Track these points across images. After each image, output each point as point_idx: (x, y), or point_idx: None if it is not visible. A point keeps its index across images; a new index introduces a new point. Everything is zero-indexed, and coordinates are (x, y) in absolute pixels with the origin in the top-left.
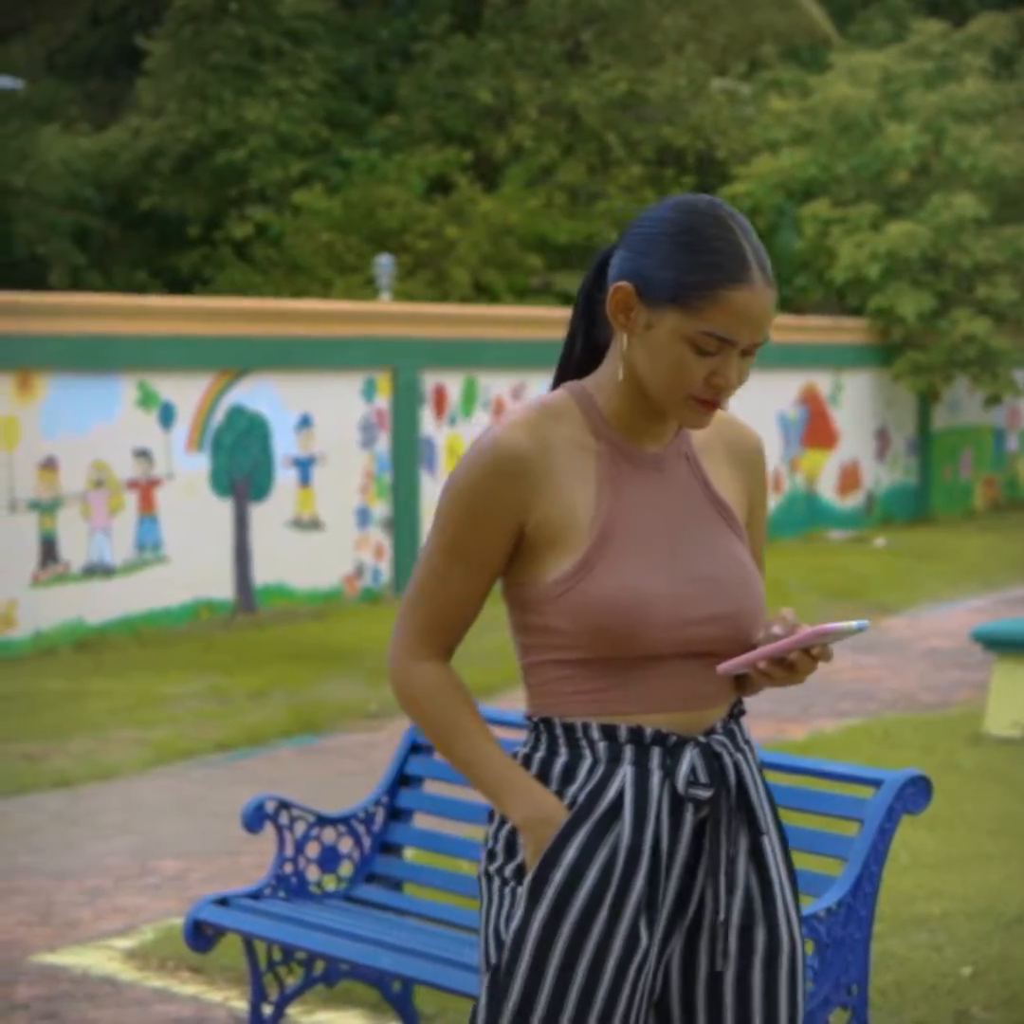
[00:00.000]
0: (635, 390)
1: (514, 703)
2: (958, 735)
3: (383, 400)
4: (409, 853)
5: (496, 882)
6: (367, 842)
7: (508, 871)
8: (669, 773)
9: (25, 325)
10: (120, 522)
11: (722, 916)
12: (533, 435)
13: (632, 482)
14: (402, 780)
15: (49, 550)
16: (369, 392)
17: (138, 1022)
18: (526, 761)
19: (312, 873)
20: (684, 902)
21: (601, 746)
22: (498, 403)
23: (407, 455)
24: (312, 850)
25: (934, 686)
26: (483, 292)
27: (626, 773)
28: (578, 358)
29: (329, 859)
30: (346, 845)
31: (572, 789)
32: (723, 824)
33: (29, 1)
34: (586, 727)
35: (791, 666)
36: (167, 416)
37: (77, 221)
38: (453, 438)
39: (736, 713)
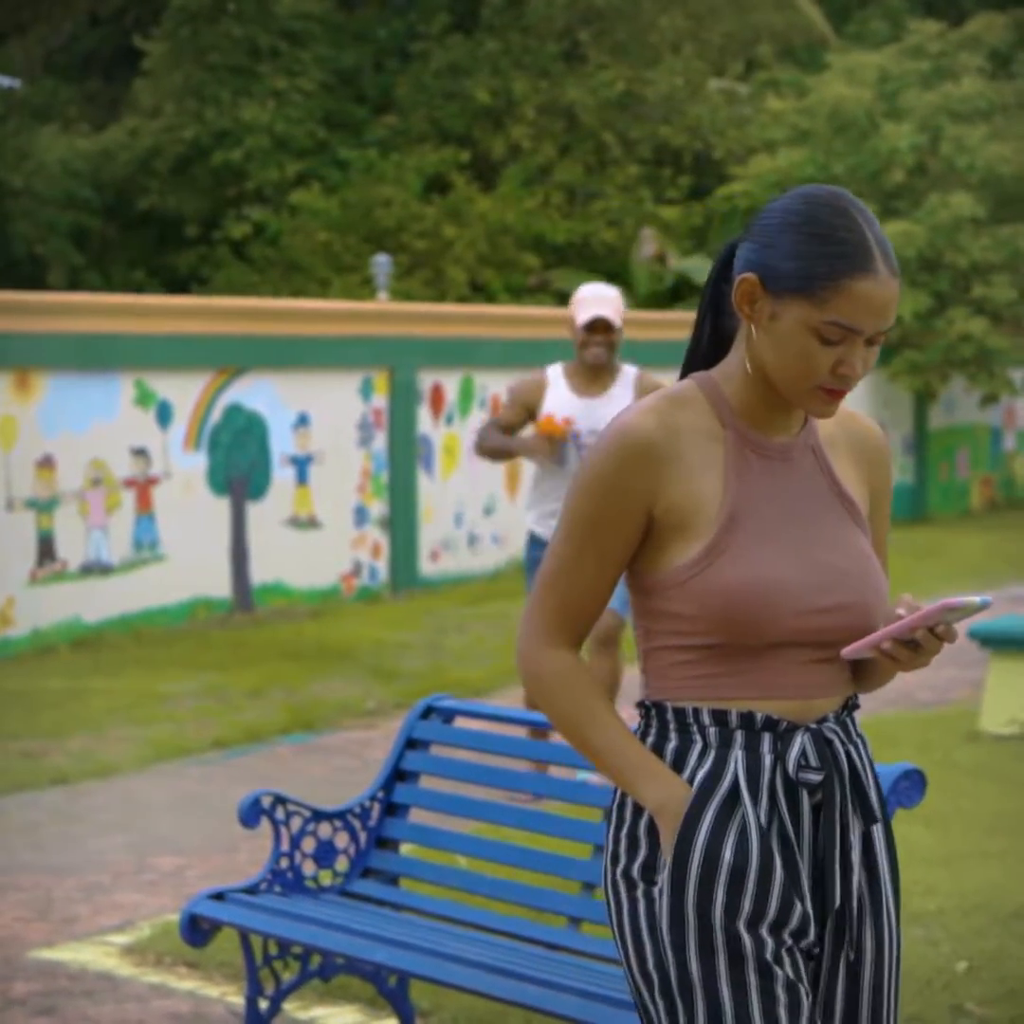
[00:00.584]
0: (761, 380)
1: (513, 701)
2: (955, 732)
3: (380, 399)
4: (405, 848)
5: (622, 888)
6: (363, 837)
7: (635, 871)
8: (780, 758)
9: (23, 324)
10: (117, 521)
11: (837, 903)
12: (661, 421)
13: (758, 471)
14: (398, 775)
15: (46, 548)
16: (366, 391)
17: (135, 1017)
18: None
19: (308, 868)
20: (818, 888)
21: (712, 731)
22: (495, 402)
23: (404, 454)
24: (308, 845)
25: (931, 684)
26: (480, 291)
27: (737, 757)
28: (705, 349)
29: (325, 854)
30: (342, 840)
31: (684, 775)
32: (837, 809)
33: (28, 1)
34: (697, 712)
35: (916, 646)
36: (164, 415)
37: (75, 221)
38: (450, 437)
39: (850, 706)
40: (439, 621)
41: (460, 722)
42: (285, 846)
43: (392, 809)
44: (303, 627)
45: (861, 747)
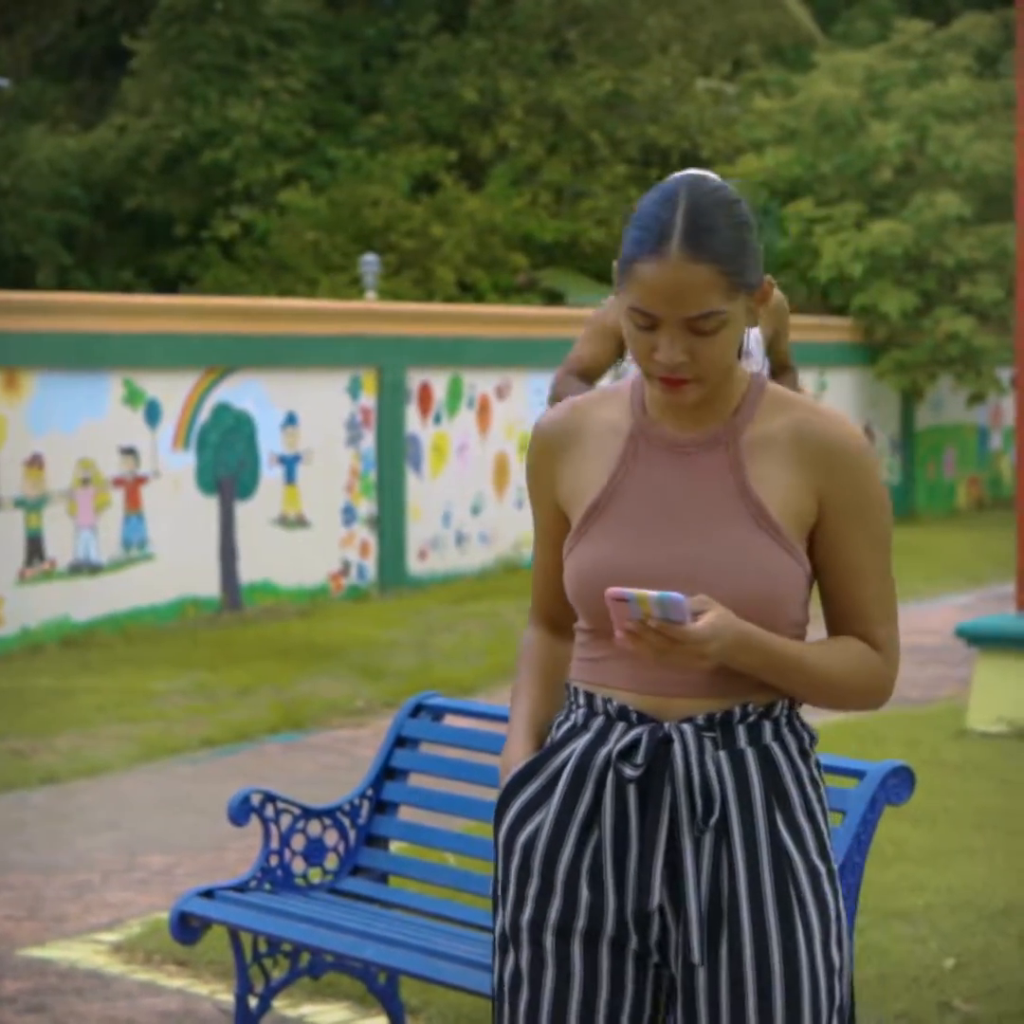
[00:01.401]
0: None
1: (502, 699)
2: (942, 730)
3: (368, 398)
4: (394, 846)
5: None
6: (352, 835)
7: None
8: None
9: (12, 323)
10: (106, 520)
11: (652, 905)
12: (569, 415)
13: (647, 462)
14: (387, 773)
15: (35, 547)
16: (354, 390)
17: (125, 1015)
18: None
19: (297, 865)
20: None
21: (580, 713)
22: (483, 401)
23: (392, 453)
24: (297, 843)
25: (918, 682)
26: (468, 291)
27: (582, 741)
28: None
29: (314, 852)
30: (331, 838)
31: (559, 751)
32: (664, 811)
33: (15, 1)
34: (576, 692)
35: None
36: (153, 414)
37: (63, 220)
38: (438, 436)
39: (754, 712)
40: (427, 620)
41: (450, 720)
42: (274, 844)
43: (381, 807)
44: (292, 626)
45: (750, 758)
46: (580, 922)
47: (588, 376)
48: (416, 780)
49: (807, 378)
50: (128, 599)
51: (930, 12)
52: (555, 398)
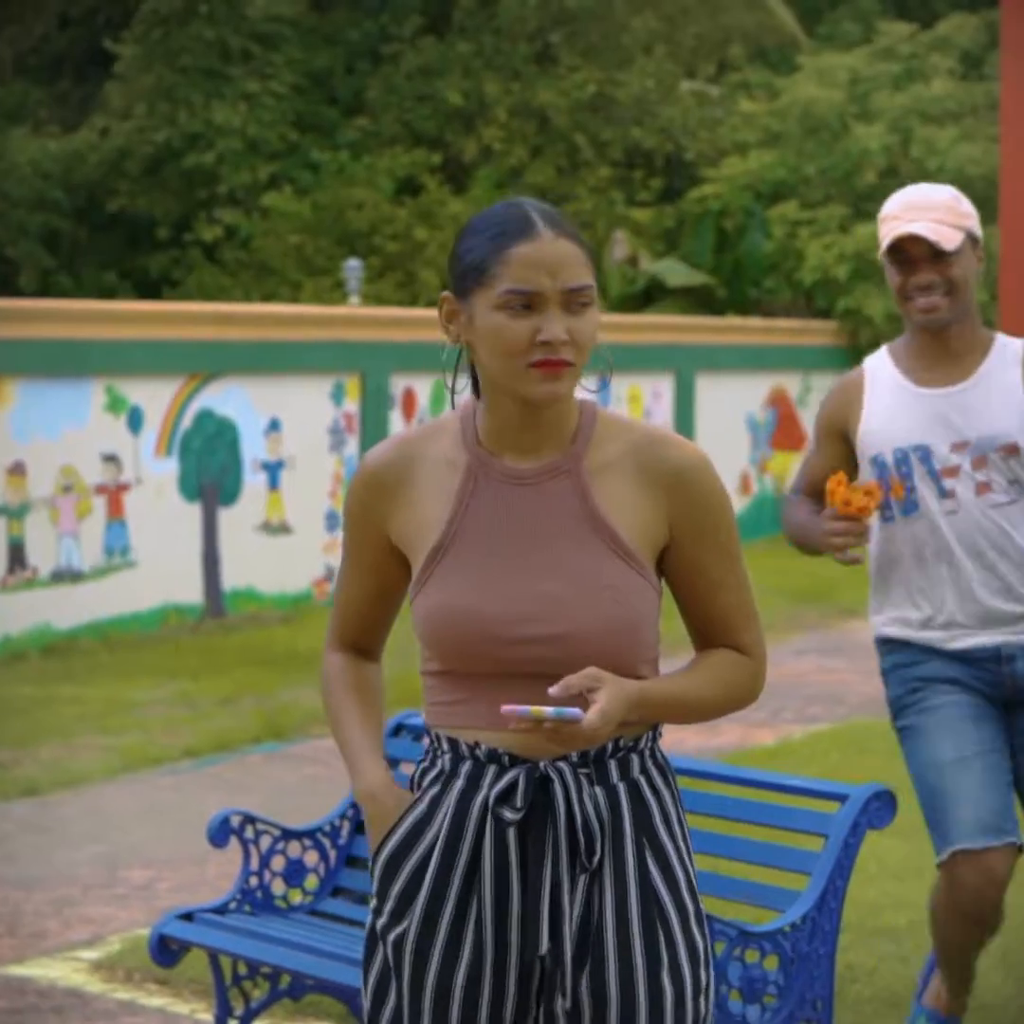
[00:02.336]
0: (495, 398)
1: None
2: None
3: (352, 404)
4: None
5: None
6: (333, 855)
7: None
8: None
9: None
10: (88, 527)
11: (542, 949)
12: (399, 451)
13: (489, 496)
14: None
15: (17, 555)
16: (338, 396)
17: None
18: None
19: (278, 887)
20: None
21: (447, 758)
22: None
23: None
24: (277, 864)
25: None
26: None
27: (457, 786)
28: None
29: (295, 873)
30: (312, 859)
31: (423, 798)
32: (546, 853)
33: None
34: (438, 738)
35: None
36: (135, 420)
37: (46, 223)
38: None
39: (623, 747)
40: (410, 626)
41: None
42: (254, 865)
43: (362, 827)
44: (275, 633)
45: (622, 793)
46: (459, 977)
47: (818, 493)
48: None
49: (791, 381)
50: (110, 607)
51: (915, 13)
52: (787, 530)
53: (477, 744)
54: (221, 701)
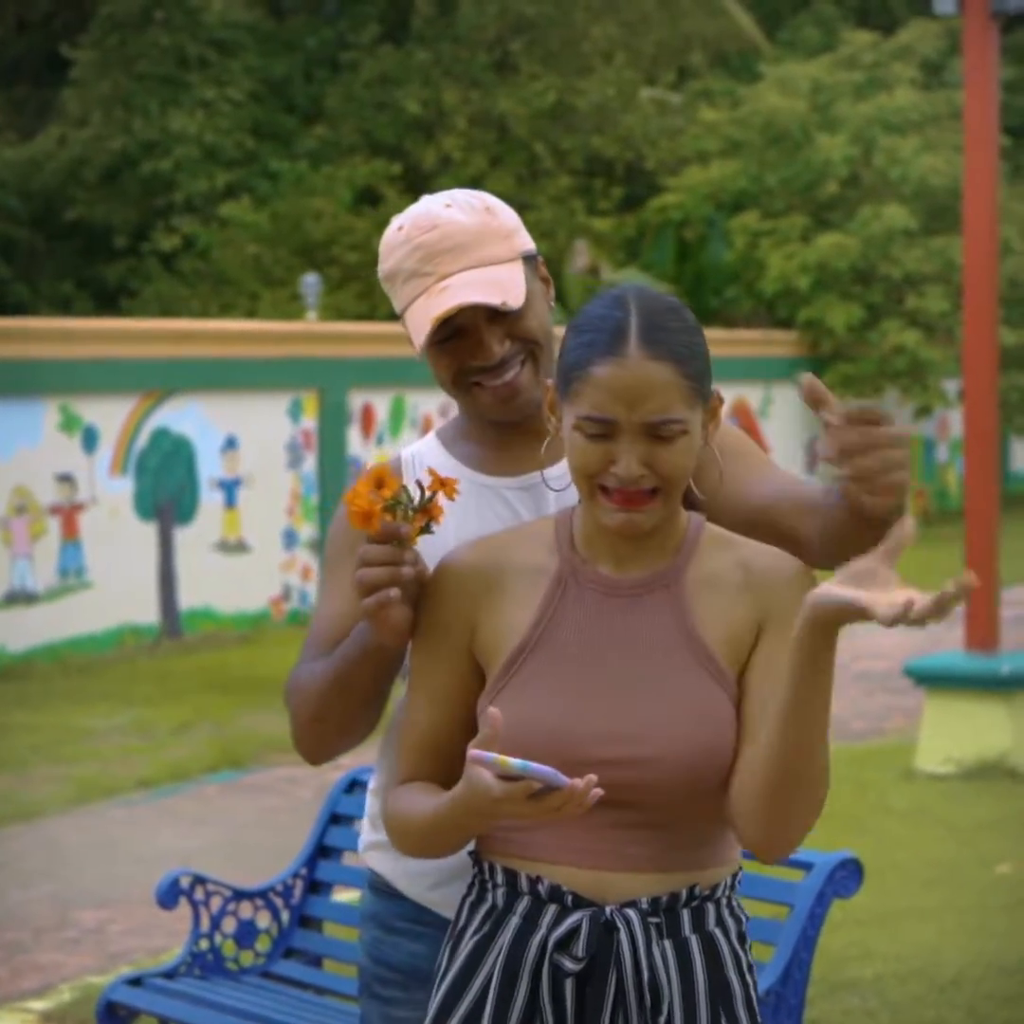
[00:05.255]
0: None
1: None
2: (890, 770)
3: (309, 420)
4: (328, 927)
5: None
6: (285, 916)
7: None
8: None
9: None
10: (42, 548)
11: None
12: (485, 555)
13: (578, 604)
14: (321, 851)
15: None
16: (295, 412)
17: None
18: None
19: (229, 949)
20: None
21: (500, 893)
22: (427, 421)
23: (334, 475)
24: (228, 925)
25: (865, 712)
26: None
27: (512, 925)
28: None
29: (246, 934)
30: (264, 919)
31: (468, 933)
32: (606, 1009)
33: None
34: (493, 869)
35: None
36: (90, 440)
37: (2, 232)
38: (381, 457)
39: (698, 895)
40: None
41: None
42: (204, 927)
43: (315, 887)
44: (232, 654)
45: (694, 947)
46: None
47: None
48: (350, 859)
49: (753, 393)
50: (65, 628)
51: (876, 20)
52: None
53: (539, 879)
54: (177, 728)
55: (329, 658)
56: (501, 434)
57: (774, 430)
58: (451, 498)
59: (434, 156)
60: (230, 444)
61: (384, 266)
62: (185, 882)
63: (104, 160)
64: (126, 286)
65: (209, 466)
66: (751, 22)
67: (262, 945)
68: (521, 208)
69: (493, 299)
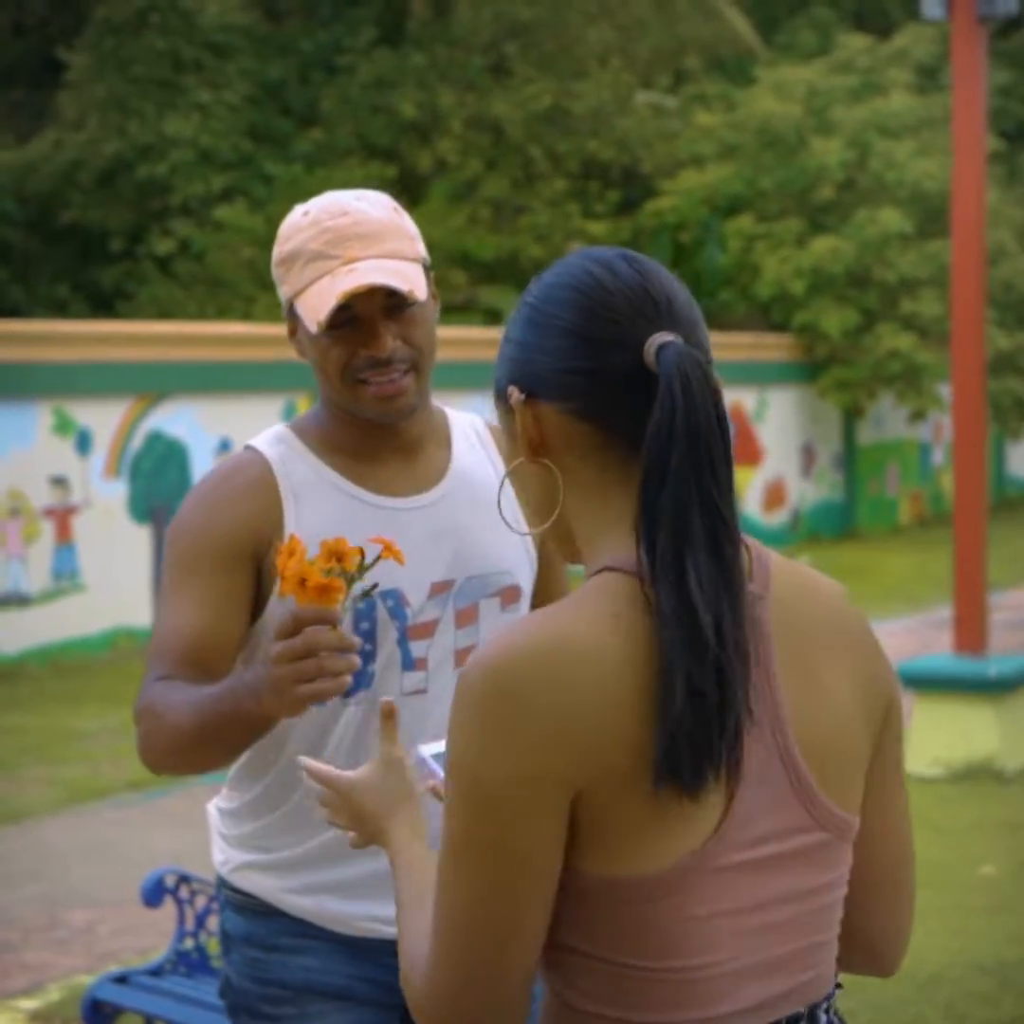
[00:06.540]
0: None
1: None
2: None
3: None
4: None
5: None
6: None
7: None
8: None
9: None
10: (36, 550)
11: None
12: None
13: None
14: None
15: None
16: (289, 415)
17: None
18: None
19: (214, 947)
20: None
21: None
22: None
23: None
24: (213, 923)
25: None
26: None
27: None
28: None
29: None
30: None
31: None
32: None
33: None
34: None
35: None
36: (84, 443)
37: None
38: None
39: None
40: None
41: None
42: (189, 926)
43: None
44: None
45: None
46: None
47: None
48: None
49: (748, 396)
50: (59, 631)
51: (871, 24)
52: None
53: None
54: None
55: (194, 702)
56: (376, 444)
57: (769, 433)
58: (401, 563)
59: (429, 159)
60: (224, 447)
61: (283, 248)
62: (170, 881)
63: (100, 163)
64: (122, 289)
65: (203, 468)
66: (747, 26)
67: None
68: (516, 211)
69: (402, 286)
